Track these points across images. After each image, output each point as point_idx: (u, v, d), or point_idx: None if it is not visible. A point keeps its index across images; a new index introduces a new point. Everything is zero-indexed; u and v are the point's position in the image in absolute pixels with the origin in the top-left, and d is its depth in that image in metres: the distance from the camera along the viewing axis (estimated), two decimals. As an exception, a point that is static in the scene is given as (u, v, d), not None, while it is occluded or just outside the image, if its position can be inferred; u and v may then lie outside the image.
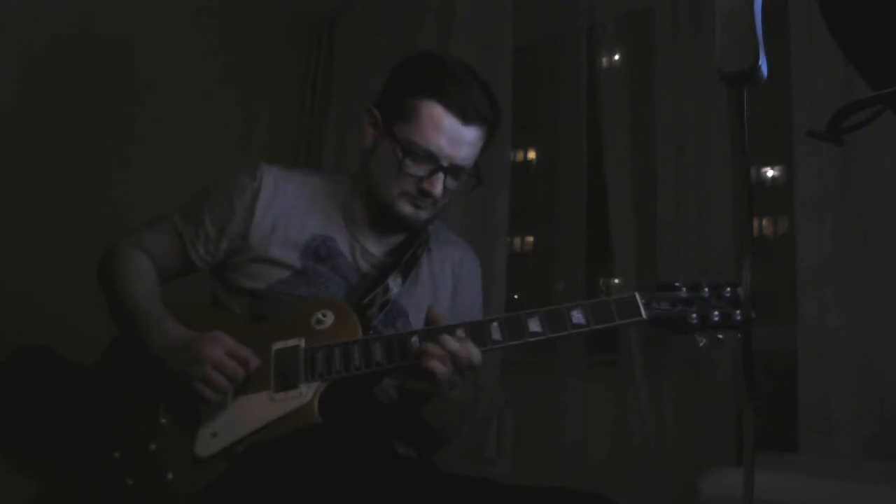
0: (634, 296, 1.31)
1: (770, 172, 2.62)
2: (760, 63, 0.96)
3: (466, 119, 1.40)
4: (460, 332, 1.28)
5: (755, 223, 2.43)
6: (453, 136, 1.39)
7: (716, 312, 1.30)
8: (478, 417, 2.44)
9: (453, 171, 1.42)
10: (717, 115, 2.26)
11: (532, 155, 3.18)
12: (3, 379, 1.49)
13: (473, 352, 1.26)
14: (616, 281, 2.50)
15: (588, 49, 2.64)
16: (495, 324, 1.30)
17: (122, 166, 2.57)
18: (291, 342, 1.34)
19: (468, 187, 1.49)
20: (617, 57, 2.69)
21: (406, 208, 1.44)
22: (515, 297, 2.87)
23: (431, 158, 1.40)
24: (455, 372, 1.25)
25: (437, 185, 1.41)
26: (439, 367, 1.24)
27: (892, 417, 1.89)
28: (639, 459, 2.26)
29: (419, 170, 1.40)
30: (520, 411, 2.56)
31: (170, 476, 1.28)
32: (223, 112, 2.90)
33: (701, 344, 1.31)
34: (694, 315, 1.31)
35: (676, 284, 1.34)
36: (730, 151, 2.21)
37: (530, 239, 3.13)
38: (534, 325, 1.29)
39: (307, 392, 1.29)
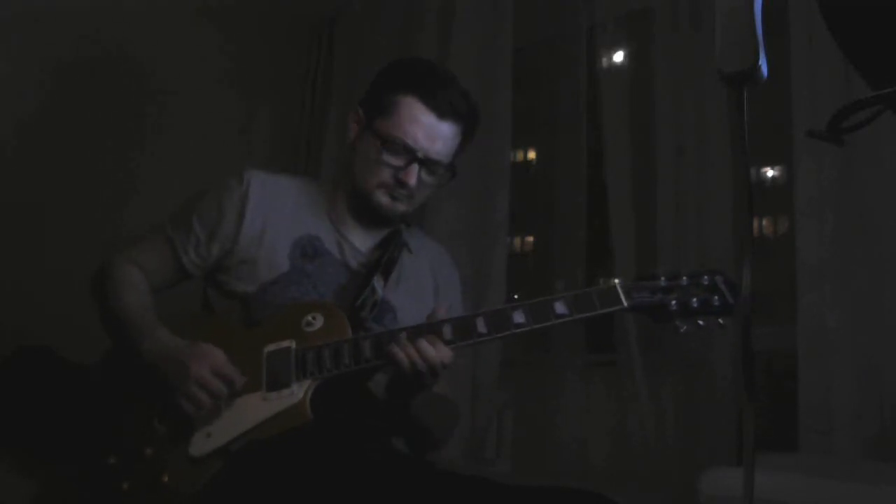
0: (615, 285, 1.36)
1: (770, 172, 2.62)
2: (760, 63, 0.96)
3: (442, 115, 1.48)
4: (447, 329, 1.32)
5: (755, 223, 2.43)
6: (429, 130, 1.48)
7: (694, 299, 1.33)
8: (477, 417, 2.44)
9: (428, 164, 1.50)
10: (717, 115, 2.26)
11: (532, 155, 3.18)
12: (4, 379, 1.50)
13: (442, 350, 1.30)
14: (616, 281, 2.49)
15: (588, 49, 2.64)
16: (481, 318, 1.33)
17: (122, 166, 2.57)
18: (283, 344, 1.36)
19: (444, 181, 1.56)
20: (617, 57, 2.69)
21: (383, 199, 1.51)
22: (515, 297, 2.86)
23: (408, 150, 1.47)
24: (423, 364, 1.29)
25: (412, 176, 1.48)
26: (402, 356, 1.28)
27: (892, 417, 1.89)
28: (639, 459, 2.25)
29: (396, 161, 1.48)
30: (519, 411, 2.56)
31: (166, 478, 1.30)
32: (223, 112, 2.89)
33: (682, 330, 1.34)
34: (673, 302, 1.34)
35: (656, 274, 1.38)
36: (730, 151, 2.21)
37: (530, 239, 3.13)
38: (518, 317, 1.33)
39: (298, 391, 1.31)
